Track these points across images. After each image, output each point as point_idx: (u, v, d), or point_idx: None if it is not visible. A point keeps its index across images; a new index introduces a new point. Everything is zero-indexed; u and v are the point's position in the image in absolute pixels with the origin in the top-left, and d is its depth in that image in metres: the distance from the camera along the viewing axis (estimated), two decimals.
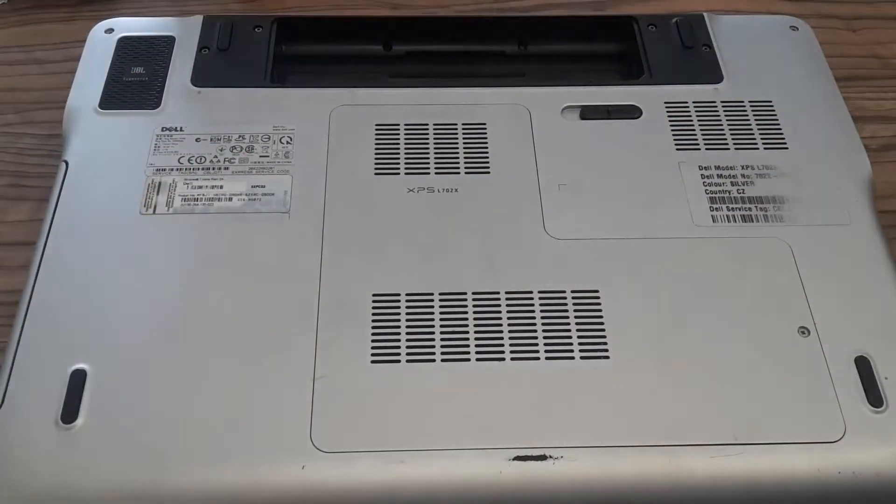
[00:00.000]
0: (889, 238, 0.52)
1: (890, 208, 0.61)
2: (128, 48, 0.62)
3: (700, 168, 0.55)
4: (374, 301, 0.49)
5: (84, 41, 0.62)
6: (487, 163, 0.55)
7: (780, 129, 0.57)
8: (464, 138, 0.57)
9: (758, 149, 0.56)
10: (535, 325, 0.48)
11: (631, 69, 0.64)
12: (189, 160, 0.54)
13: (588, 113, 0.58)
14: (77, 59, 0.61)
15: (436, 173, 0.55)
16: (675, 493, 0.44)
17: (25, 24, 0.71)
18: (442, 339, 0.47)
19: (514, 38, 0.67)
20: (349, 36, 0.66)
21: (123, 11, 0.73)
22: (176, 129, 0.56)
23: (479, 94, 0.59)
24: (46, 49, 0.70)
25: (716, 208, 0.53)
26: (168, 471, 0.43)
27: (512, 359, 0.47)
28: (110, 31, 0.63)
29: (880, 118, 0.67)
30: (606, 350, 0.47)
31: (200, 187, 0.53)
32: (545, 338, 0.47)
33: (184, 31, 0.63)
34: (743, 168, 0.55)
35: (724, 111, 0.58)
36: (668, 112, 0.58)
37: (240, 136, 0.56)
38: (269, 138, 0.55)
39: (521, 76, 0.65)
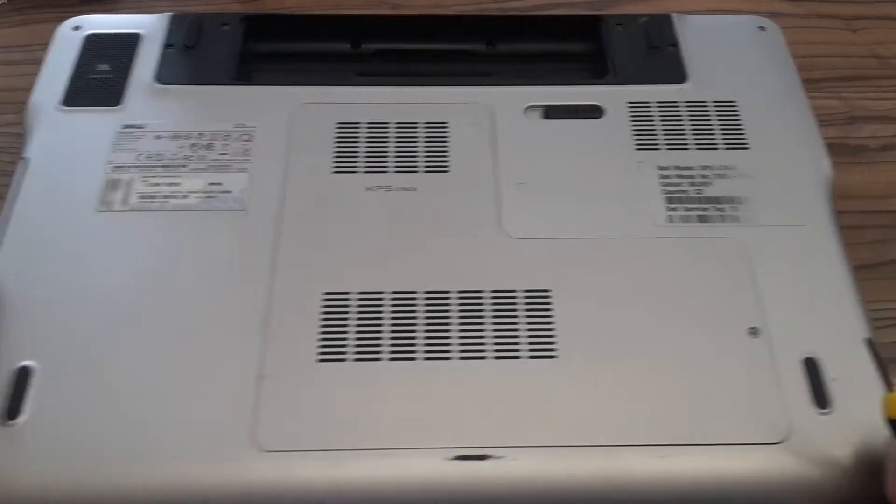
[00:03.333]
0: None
1: (890, 208, 0.60)
2: (94, 46, 0.62)
3: (659, 168, 0.55)
4: (324, 299, 0.49)
5: None
6: (447, 161, 0.55)
7: (742, 129, 0.57)
8: (425, 137, 0.57)
9: (718, 149, 0.56)
10: (483, 324, 0.48)
11: (599, 69, 0.63)
12: (148, 157, 0.54)
13: (551, 112, 0.58)
14: None
15: (395, 172, 0.55)
16: (616, 493, 0.44)
17: (25, 24, 0.71)
18: (391, 338, 0.47)
19: (483, 38, 0.67)
20: (318, 34, 0.66)
21: (123, 11, 0.74)
22: (137, 127, 0.56)
23: (443, 93, 0.59)
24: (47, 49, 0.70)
25: (672, 208, 0.53)
26: (109, 469, 0.43)
27: (459, 358, 0.47)
28: (77, 28, 0.63)
29: (880, 118, 0.67)
30: (554, 350, 0.47)
31: (158, 185, 0.53)
32: (494, 337, 0.47)
33: (151, 29, 0.63)
34: (702, 168, 0.55)
35: (687, 111, 0.58)
36: (630, 112, 0.58)
37: (200, 134, 0.56)
38: (229, 136, 0.56)
39: (489, 75, 0.65)
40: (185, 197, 0.53)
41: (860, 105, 0.68)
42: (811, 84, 0.68)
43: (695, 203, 0.53)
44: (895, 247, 0.53)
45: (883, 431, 0.41)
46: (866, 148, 0.58)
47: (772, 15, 0.71)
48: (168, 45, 0.62)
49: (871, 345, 0.41)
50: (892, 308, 0.57)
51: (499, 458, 0.44)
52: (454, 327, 0.48)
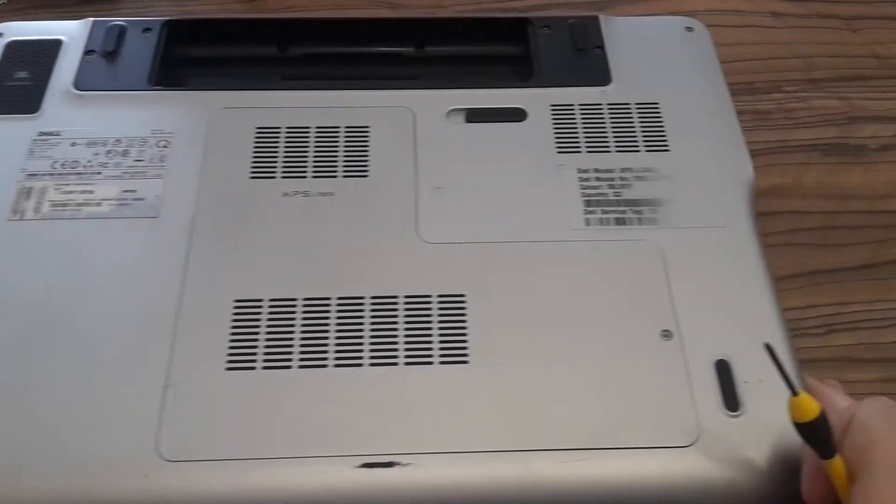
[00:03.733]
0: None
1: (890, 208, 0.61)
2: (15, 52, 0.61)
3: (579, 171, 0.55)
4: (235, 307, 0.48)
5: None
6: (367, 166, 0.55)
7: (663, 131, 0.57)
8: (345, 141, 0.56)
9: (639, 151, 0.56)
10: (397, 330, 0.47)
11: (526, 71, 0.63)
12: (63, 165, 0.54)
13: (473, 116, 0.58)
14: None
15: (313, 177, 0.54)
16: (525, 498, 0.43)
17: None
18: (301, 345, 0.47)
19: (412, 41, 0.66)
20: (244, 38, 0.65)
21: (123, 11, 0.73)
22: (53, 134, 0.56)
23: (366, 97, 0.59)
24: None
25: (590, 211, 0.53)
26: (9, 478, 0.43)
27: (371, 364, 0.46)
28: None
29: (880, 118, 0.67)
30: (466, 355, 0.47)
31: (71, 192, 0.52)
32: (406, 343, 0.47)
33: (73, 35, 0.62)
34: (622, 171, 0.55)
35: (610, 113, 0.58)
36: (552, 115, 0.58)
37: (116, 141, 0.55)
38: (145, 142, 0.55)
39: (417, 78, 0.64)
40: (98, 204, 0.52)
41: (860, 105, 0.68)
42: (811, 84, 0.69)
43: (613, 206, 0.53)
44: (895, 247, 0.53)
45: (794, 434, 0.41)
46: (866, 148, 0.58)
47: (772, 15, 0.71)
48: (88, 52, 0.61)
49: (772, 350, 0.40)
50: (892, 308, 0.57)
51: (406, 465, 0.43)
52: (366, 333, 0.47)
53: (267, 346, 0.47)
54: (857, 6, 0.76)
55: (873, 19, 0.75)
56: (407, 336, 0.47)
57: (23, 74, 0.59)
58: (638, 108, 0.58)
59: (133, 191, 0.52)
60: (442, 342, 0.47)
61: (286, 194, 0.53)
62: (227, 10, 0.73)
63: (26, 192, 0.52)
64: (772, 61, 0.72)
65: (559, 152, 0.56)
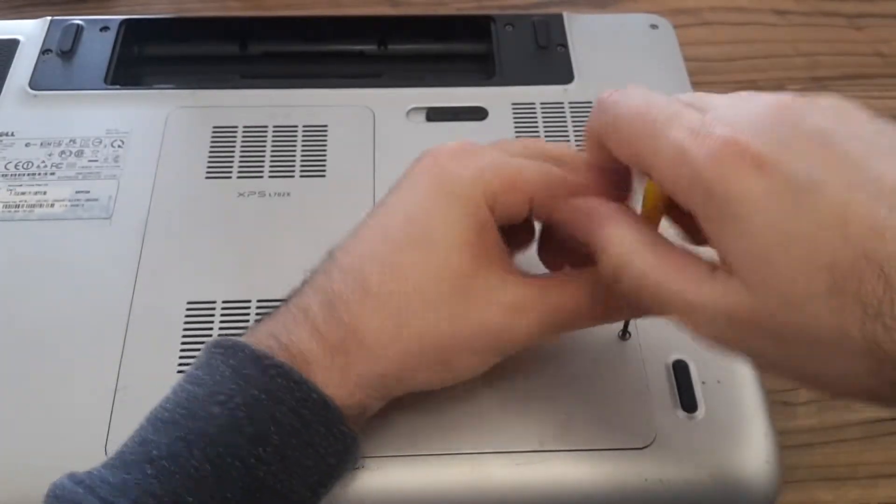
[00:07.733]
0: None
1: None
2: None
3: None
4: (187, 309, 0.47)
5: None
6: (324, 166, 0.54)
7: None
8: (303, 141, 0.55)
9: None
10: None
11: (489, 69, 0.63)
12: (16, 166, 0.53)
13: (433, 114, 0.57)
14: None
15: (269, 177, 0.53)
16: (478, 500, 0.43)
17: None
18: None
19: (375, 39, 0.66)
20: (204, 36, 0.65)
21: (120, 9, 0.72)
22: (7, 135, 0.55)
23: (325, 96, 0.58)
24: None
25: None
26: None
27: None
28: None
29: (884, 117, 0.67)
30: None
31: (23, 193, 0.52)
32: None
33: (30, 35, 0.62)
34: None
35: (571, 112, 0.58)
36: (514, 113, 0.57)
37: (71, 141, 0.54)
38: (100, 142, 0.54)
39: (379, 76, 0.64)
40: (51, 206, 0.51)
41: (864, 104, 0.67)
42: (814, 82, 0.68)
43: None
44: None
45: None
46: None
47: (776, 12, 0.71)
48: (45, 51, 0.60)
49: None
50: None
51: (357, 468, 0.43)
52: None
53: None
54: (861, 4, 0.76)
55: (877, 17, 0.75)
56: None
57: None
58: None
59: (86, 191, 0.52)
60: None
61: (242, 194, 0.53)
62: (226, 7, 0.72)
63: None
64: (775, 59, 0.71)
65: None
